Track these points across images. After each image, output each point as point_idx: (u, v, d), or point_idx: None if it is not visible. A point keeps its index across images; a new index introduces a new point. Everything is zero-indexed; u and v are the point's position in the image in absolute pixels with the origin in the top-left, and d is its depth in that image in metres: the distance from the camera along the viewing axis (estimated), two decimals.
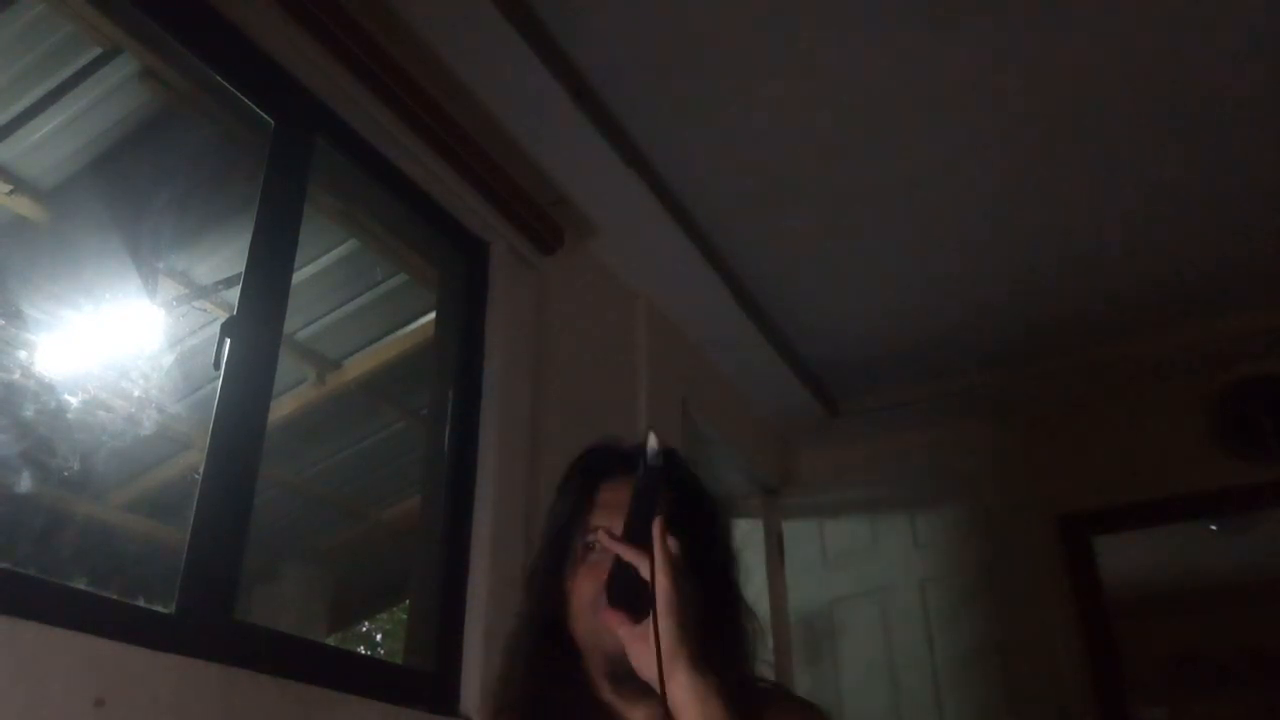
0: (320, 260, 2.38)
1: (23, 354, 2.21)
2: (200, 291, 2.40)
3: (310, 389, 2.86)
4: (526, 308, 2.13)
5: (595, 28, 1.91)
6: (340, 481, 3.47)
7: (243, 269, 1.51)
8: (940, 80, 2.07)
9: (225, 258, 2.33)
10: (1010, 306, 2.93)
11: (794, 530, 3.38)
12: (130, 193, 2.13)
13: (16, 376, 2.20)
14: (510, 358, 2.02)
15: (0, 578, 1.07)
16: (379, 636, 5.16)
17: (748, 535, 3.35)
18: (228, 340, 1.44)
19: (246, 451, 1.42)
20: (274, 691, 1.32)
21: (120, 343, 2.39)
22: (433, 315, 2.30)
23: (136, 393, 2.40)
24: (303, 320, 2.64)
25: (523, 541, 1.86)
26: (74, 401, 2.27)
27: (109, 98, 1.89)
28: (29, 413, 2.19)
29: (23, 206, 2.08)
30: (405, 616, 2.98)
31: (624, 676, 0.88)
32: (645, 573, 0.84)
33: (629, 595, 0.84)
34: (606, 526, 0.93)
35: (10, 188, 2.04)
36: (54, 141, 1.98)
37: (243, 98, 1.60)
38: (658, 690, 0.81)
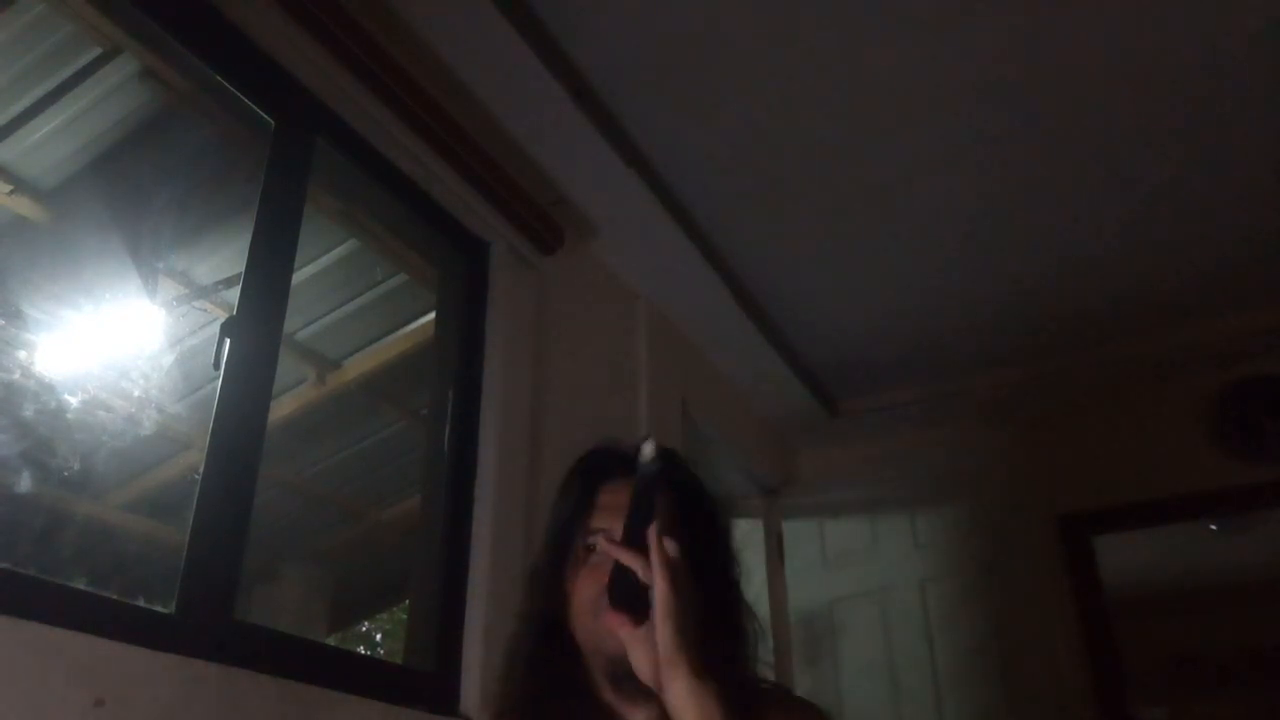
0: (320, 260, 2.38)
1: (23, 354, 2.21)
2: (200, 291, 2.40)
3: (310, 389, 2.87)
4: (526, 308, 2.12)
5: (595, 28, 1.91)
6: (340, 481, 3.47)
7: (243, 269, 1.51)
8: (940, 80, 2.07)
9: (225, 258, 2.33)
10: (1010, 307, 2.93)
11: (794, 530, 3.38)
12: (130, 193, 2.13)
13: (16, 376, 2.20)
14: (510, 358, 2.02)
15: (0, 578, 1.07)
16: (379, 636, 5.17)
17: (748, 535, 3.35)
18: (228, 340, 1.44)
19: (246, 451, 1.42)
20: (274, 691, 1.32)
21: (120, 343, 2.39)
22: (433, 315, 2.30)
23: (136, 393, 2.40)
24: (303, 320, 2.64)
25: (523, 541, 1.86)
26: (74, 401, 2.28)
27: (109, 98, 1.89)
28: (29, 413, 2.19)
29: (23, 206, 2.08)
30: (405, 616, 2.98)
31: (625, 678, 0.88)
32: (644, 576, 0.84)
33: (630, 597, 0.85)
34: (607, 530, 0.93)
35: (10, 188, 2.05)
36: (54, 141, 1.98)
37: (243, 98, 1.60)
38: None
